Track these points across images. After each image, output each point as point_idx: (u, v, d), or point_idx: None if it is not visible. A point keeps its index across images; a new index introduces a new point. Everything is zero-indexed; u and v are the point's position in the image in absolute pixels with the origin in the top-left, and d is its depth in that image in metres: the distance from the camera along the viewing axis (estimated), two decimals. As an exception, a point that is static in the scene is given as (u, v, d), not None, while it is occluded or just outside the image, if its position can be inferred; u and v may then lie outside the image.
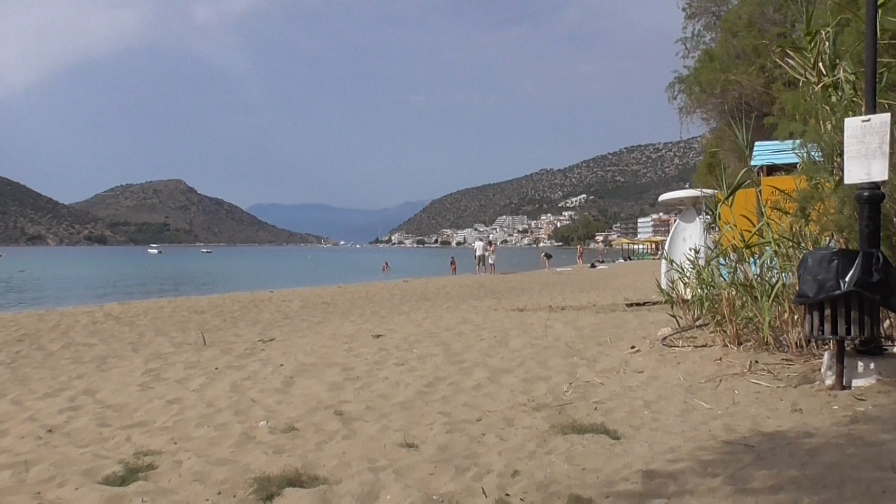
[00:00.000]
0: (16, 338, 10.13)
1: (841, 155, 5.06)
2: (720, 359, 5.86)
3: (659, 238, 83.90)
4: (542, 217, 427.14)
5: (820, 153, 5.61)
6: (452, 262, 38.87)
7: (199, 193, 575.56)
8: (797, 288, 4.96)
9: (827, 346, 5.39)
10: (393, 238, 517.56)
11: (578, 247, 48.07)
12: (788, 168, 8.18)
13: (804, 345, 5.63)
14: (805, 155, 5.76)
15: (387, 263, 53.44)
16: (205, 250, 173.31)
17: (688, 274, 7.40)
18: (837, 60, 5.67)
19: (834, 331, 4.61)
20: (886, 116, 4.70)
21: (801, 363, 5.44)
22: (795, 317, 5.70)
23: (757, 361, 5.60)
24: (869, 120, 4.73)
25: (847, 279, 4.52)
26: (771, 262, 6.13)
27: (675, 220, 12.06)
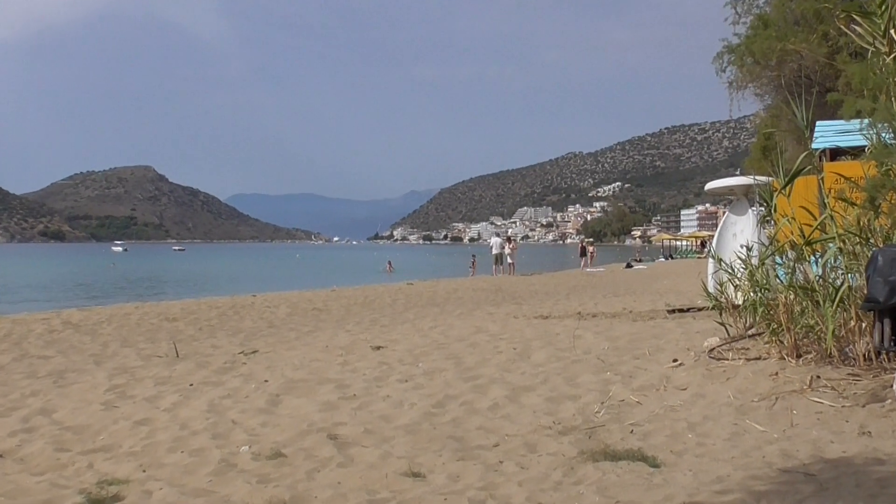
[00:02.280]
0: (-39, 349, 10.20)
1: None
2: (776, 373, 5.84)
3: (705, 233, 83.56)
4: (570, 209, 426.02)
5: (892, 134, 5.57)
6: (473, 261, 38.60)
7: (171, 182, 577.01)
8: (865, 291, 4.94)
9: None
10: (395, 233, 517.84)
11: (590, 248, 44.97)
12: (855, 152, 8.13)
13: (873, 357, 5.60)
14: (874, 136, 5.73)
15: (390, 263, 53.53)
16: (177, 248, 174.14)
17: (739, 275, 7.37)
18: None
19: (909, 341, 4.59)
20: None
21: (869, 379, 5.41)
22: (863, 325, 5.67)
23: (819, 377, 5.58)
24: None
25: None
26: (835, 262, 6.10)
27: (723, 213, 12.01)
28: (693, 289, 16.67)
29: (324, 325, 13.25)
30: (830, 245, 6.14)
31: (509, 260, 34.76)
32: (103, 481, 4.17)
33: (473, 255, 40.71)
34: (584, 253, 44.10)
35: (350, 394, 6.38)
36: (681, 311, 12.13)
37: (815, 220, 6.49)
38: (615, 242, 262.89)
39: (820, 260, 6.26)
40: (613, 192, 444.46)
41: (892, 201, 5.50)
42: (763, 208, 9.09)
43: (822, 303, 5.87)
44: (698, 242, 79.30)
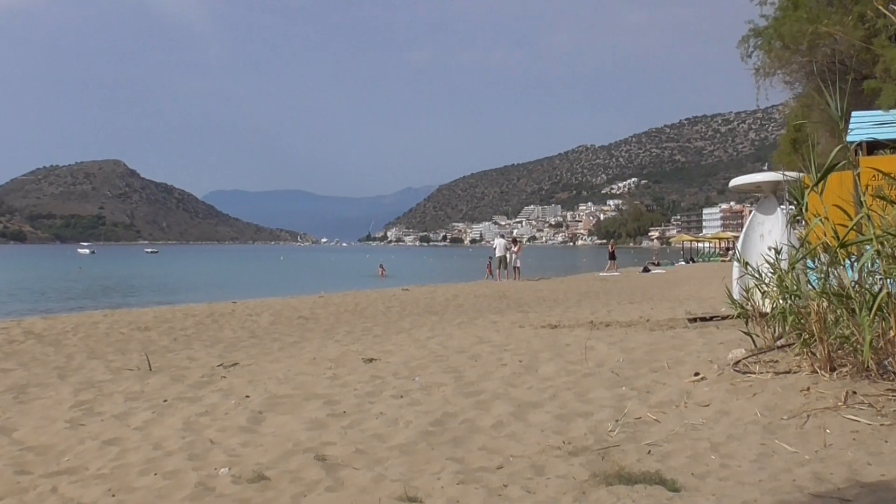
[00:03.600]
0: (-88, 361, 10.20)
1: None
2: (808, 388, 5.84)
3: (729, 234, 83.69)
4: (581, 207, 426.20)
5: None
6: (489, 265, 38.12)
7: (143, 178, 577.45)
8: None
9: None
10: (389, 234, 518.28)
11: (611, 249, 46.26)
12: (894, 145, 8.14)
13: (915, 371, 5.59)
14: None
15: (382, 267, 53.56)
16: (149, 250, 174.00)
17: (766, 280, 7.37)
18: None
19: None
20: None
21: (911, 395, 5.41)
22: (904, 335, 5.67)
23: (855, 392, 5.58)
24: None
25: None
26: (872, 266, 6.10)
27: (750, 212, 12.03)
28: (716, 295, 16.69)
29: (311, 334, 13.26)
30: (867, 247, 6.14)
31: (515, 263, 34.82)
32: (68, 507, 4.16)
33: (490, 258, 40.53)
34: (613, 256, 44.69)
35: (340, 410, 6.38)
36: (703, 319, 12.14)
37: (851, 219, 6.49)
38: (631, 244, 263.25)
39: (856, 264, 6.26)
40: (629, 188, 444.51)
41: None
42: (793, 207, 9.11)
43: (858, 311, 5.87)
44: (722, 244, 79.47)
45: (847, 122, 11.10)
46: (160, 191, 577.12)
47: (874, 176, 6.31)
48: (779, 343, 7.16)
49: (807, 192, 7.19)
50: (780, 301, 6.91)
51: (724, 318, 11.53)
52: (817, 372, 6.15)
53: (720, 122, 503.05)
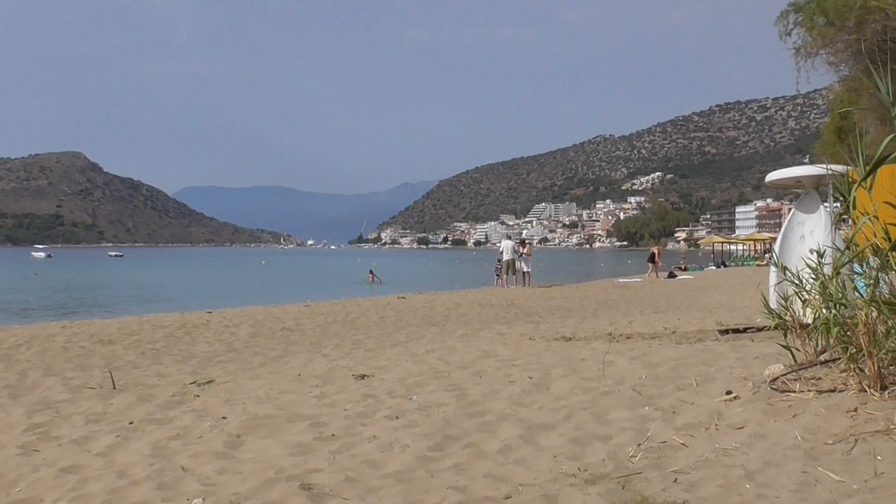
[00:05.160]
0: None
1: None
2: (855, 409, 5.83)
3: (766, 235, 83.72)
4: (599, 205, 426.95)
5: None
6: (498, 269, 38.24)
7: (107, 172, 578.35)
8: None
9: None
10: (384, 235, 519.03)
11: (655, 250, 47.22)
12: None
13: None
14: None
15: (372, 273, 53.60)
16: (114, 253, 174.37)
17: (808, 287, 7.36)
18: None
19: None
20: None
21: (972, 416, 5.41)
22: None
23: (908, 413, 5.58)
24: None
25: None
26: (929, 270, 6.10)
27: (789, 210, 12.03)
28: (751, 304, 16.69)
29: (295, 348, 13.26)
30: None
31: (524, 268, 34.84)
32: (21, 543, 4.17)
33: (498, 262, 40.55)
34: (653, 259, 45.10)
35: (328, 433, 6.38)
36: (736, 331, 12.14)
37: (904, 218, 6.49)
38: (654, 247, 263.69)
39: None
40: (652, 184, 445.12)
41: None
42: (838, 204, 9.11)
43: (912, 321, 5.87)
44: (757, 247, 79.49)
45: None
46: (126, 187, 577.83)
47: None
48: (822, 358, 7.15)
49: (854, 187, 7.19)
50: (824, 310, 6.89)
51: (759, 329, 11.53)
52: (866, 391, 6.14)
53: (755, 108, 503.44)
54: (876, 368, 6.14)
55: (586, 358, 9.87)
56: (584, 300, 24.98)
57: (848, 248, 7.23)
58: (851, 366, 6.42)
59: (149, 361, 11.89)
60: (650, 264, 45.35)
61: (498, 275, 38.13)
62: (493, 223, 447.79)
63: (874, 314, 6.18)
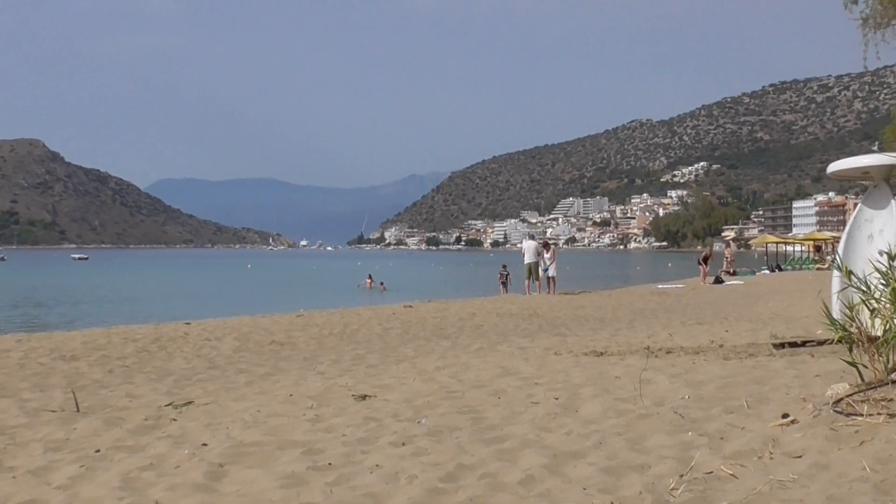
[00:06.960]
0: None
1: None
2: (932, 435, 5.81)
3: (828, 234, 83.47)
4: (634, 200, 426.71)
5: None
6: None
7: (69, 163, 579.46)
8: None
9: None
10: (388, 235, 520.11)
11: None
12: None
13: None
14: None
15: (370, 278, 53.64)
16: (77, 255, 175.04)
17: (877, 294, 7.34)
18: None
19: None
20: None
21: None
22: None
23: None
24: None
25: None
26: None
27: (855, 205, 12.00)
28: (810, 313, 16.62)
29: (287, 364, 13.28)
30: None
31: (549, 272, 34.72)
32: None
33: (504, 265, 40.55)
34: (706, 260, 44.96)
35: (324, 462, 6.38)
36: (793, 345, 12.11)
37: None
38: (698, 247, 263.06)
39: None
40: (696, 175, 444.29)
41: None
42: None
43: None
44: (818, 247, 79.22)
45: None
46: (91, 180, 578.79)
47: None
48: (893, 377, 7.13)
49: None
50: (895, 321, 6.88)
51: (820, 343, 11.50)
52: (945, 413, 6.12)
53: (816, 88, 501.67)
54: (956, 388, 6.13)
55: (620, 376, 9.87)
56: (617, 309, 24.95)
57: (923, 249, 7.21)
58: (928, 385, 6.40)
59: (118, 380, 11.90)
60: (701, 266, 44.92)
61: (504, 283, 38.11)
62: (512, 221, 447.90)
63: (954, 326, 6.16)
